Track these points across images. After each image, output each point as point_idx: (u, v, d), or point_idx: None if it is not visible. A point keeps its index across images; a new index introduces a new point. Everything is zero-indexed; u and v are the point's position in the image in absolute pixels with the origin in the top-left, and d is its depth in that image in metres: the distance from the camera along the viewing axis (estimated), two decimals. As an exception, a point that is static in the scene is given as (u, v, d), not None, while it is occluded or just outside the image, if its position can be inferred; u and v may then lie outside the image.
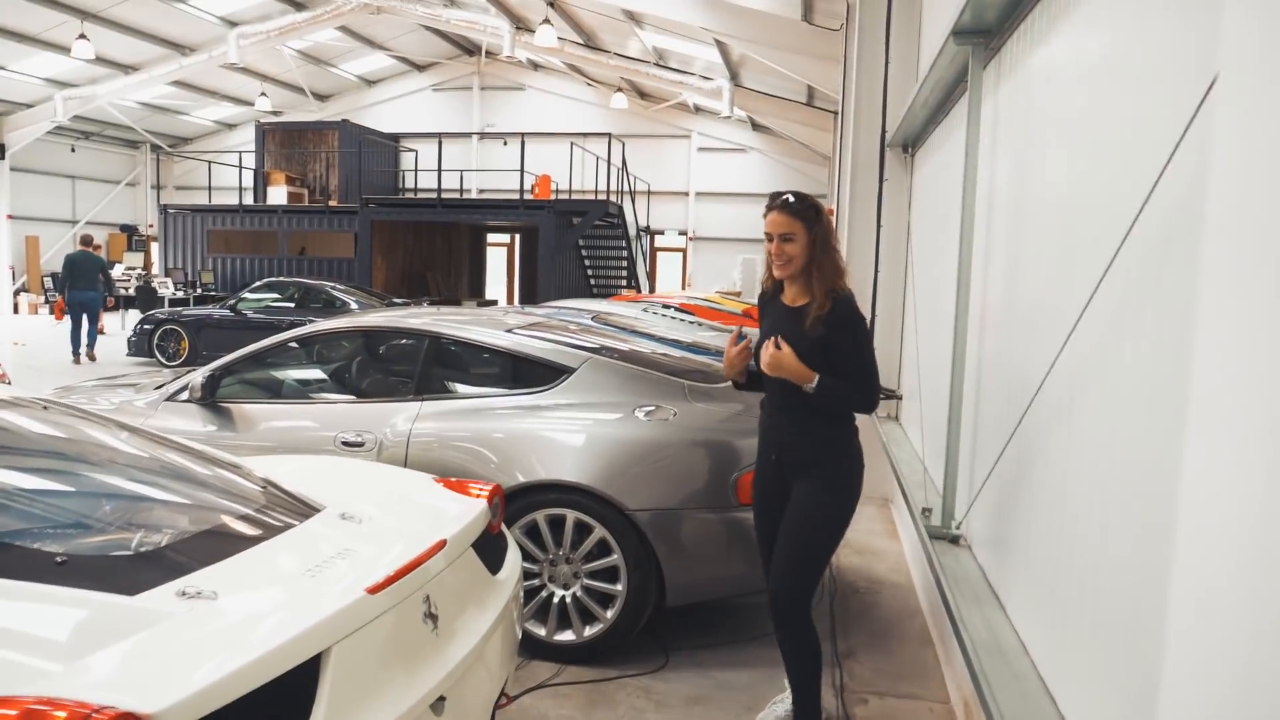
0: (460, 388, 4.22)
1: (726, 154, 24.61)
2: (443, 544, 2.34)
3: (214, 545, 2.12)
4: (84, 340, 13.32)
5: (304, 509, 2.47)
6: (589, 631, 3.71)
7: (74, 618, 1.72)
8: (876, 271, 6.67)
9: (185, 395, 4.26)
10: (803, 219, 3.03)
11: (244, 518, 2.32)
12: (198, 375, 4.29)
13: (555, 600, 3.74)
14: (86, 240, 13.59)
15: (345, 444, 3.96)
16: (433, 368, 4.20)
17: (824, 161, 21.05)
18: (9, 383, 7.62)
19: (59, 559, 1.84)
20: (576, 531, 3.69)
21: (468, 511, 2.64)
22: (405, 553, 2.22)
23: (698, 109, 23.96)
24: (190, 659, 1.63)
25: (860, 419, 3.24)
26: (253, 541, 2.19)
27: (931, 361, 5.10)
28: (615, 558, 3.64)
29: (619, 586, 3.66)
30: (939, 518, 4.05)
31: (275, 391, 4.52)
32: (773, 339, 3.04)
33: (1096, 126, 2.47)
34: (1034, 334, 2.91)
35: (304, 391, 4.60)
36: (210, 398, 4.22)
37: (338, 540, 2.29)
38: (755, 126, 23.62)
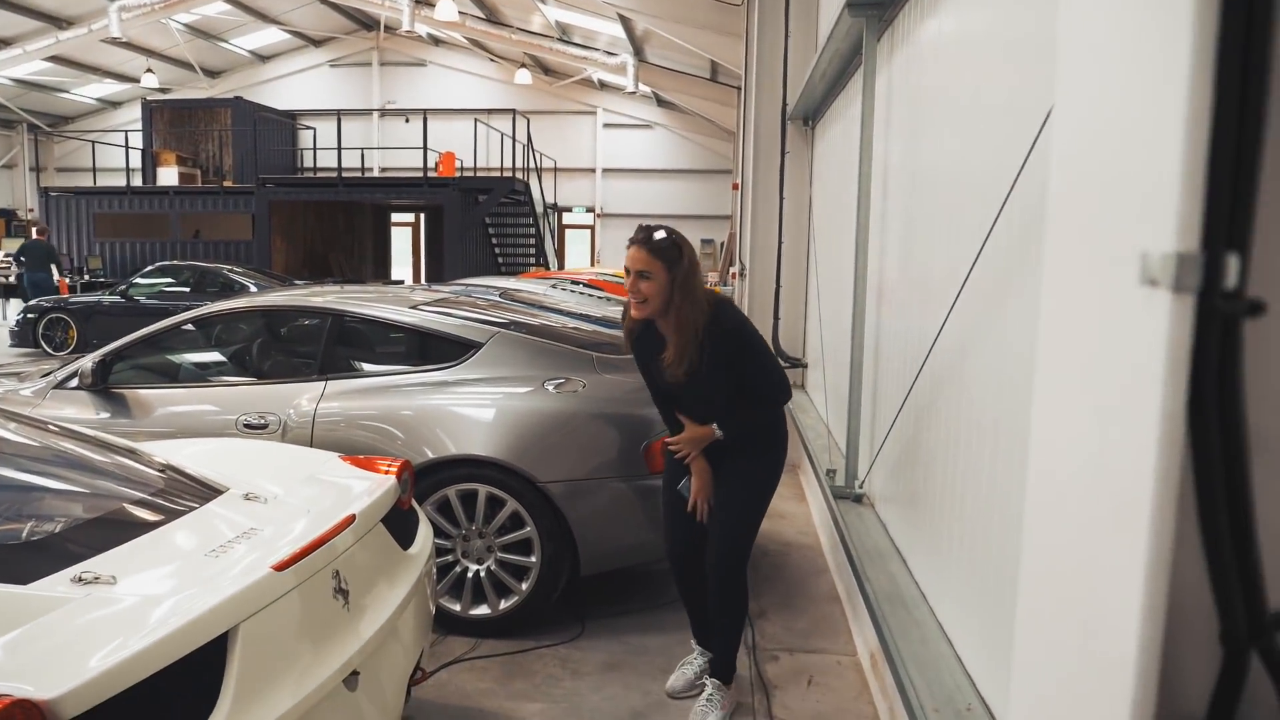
0: (366, 366, 4.16)
1: (632, 130, 24.61)
2: (351, 519, 2.33)
3: (112, 531, 2.06)
4: None
5: (206, 491, 2.42)
6: (504, 605, 3.73)
7: (-38, 608, 1.66)
8: (780, 243, 6.80)
9: (75, 382, 4.09)
10: (663, 259, 2.89)
11: (143, 502, 2.26)
12: (88, 361, 4.12)
13: (469, 575, 3.74)
14: (42, 230, 15.39)
15: (248, 426, 3.87)
16: (336, 346, 4.12)
17: (729, 137, 21.23)
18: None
19: (-58, 549, 1.77)
20: (489, 506, 3.69)
21: (376, 487, 2.63)
22: (311, 529, 2.20)
23: (603, 85, 23.86)
24: (89, 643, 1.60)
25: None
26: (153, 525, 2.14)
27: (833, 328, 5.24)
28: (528, 530, 3.66)
29: (533, 558, 3.68)
30: (843, 478, 4.19)
31: (172, 376, 4.37)
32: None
33: (979, 97, 2.57)
34: (927, 298, 3.02)
35: (202, 375, 4.47)
36: (101, 384, 4.07)
37: (242, 521, 2.25)
38: (660, 102, 23.66)
